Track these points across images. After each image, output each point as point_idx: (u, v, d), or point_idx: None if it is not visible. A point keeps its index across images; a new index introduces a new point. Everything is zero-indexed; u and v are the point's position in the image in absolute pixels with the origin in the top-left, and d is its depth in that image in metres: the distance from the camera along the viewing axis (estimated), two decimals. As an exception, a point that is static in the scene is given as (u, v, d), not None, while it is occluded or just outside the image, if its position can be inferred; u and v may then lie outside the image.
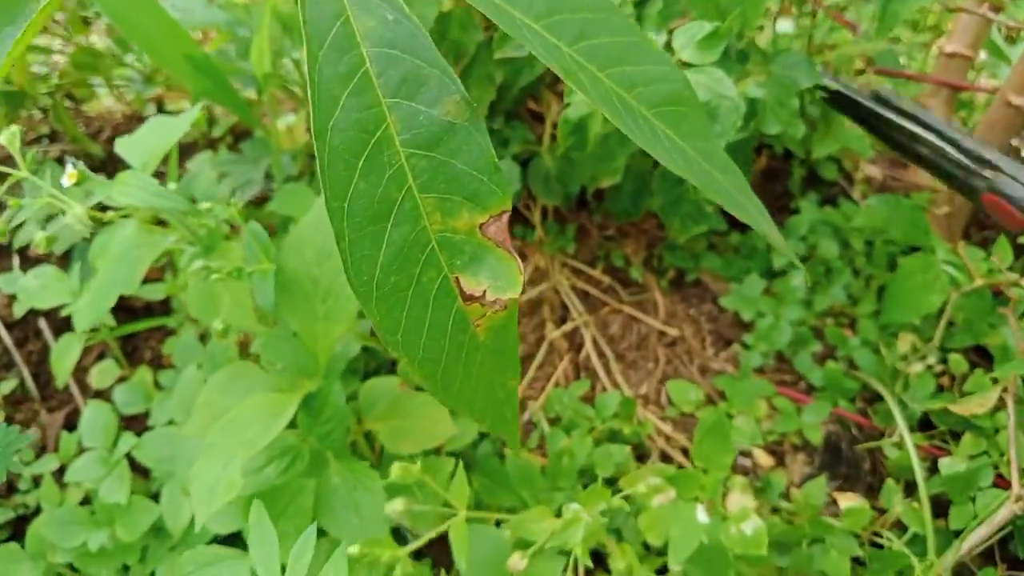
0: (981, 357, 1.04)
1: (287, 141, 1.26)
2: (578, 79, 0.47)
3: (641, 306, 1.12)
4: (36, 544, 0.97)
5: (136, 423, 1.11)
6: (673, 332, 1.09)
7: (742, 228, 1.20)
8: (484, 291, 0.47)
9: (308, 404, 0.73)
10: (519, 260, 0.47)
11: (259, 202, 1.23)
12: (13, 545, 0.99)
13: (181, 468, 0.89)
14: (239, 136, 1.36)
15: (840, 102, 0.93)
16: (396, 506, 0.71)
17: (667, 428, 1.00)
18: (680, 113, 0.52)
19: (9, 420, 1.17)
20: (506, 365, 0.53)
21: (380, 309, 0.44)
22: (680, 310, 1.12)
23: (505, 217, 0.46)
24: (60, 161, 1.40)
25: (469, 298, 0.47)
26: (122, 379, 1.14)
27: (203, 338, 1.12)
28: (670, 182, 0.88)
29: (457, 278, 0.46)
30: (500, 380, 0.53)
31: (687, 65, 0.73)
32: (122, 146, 0.76)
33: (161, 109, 1.46)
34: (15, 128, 0.77)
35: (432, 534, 0.69)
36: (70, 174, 0.67)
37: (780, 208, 1.24)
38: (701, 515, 0.76)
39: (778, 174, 1.27)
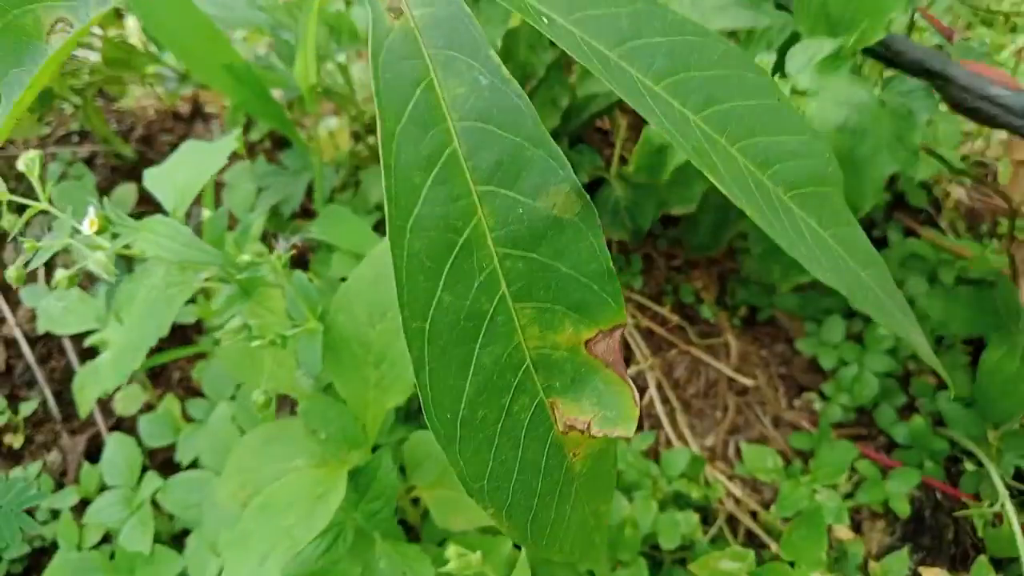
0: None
1: (329, 148, 1.18)
2: (710, 161, 0.38)
3: (711, 349, 1.02)
4: (51, 589, 0.90)
5: (162, 455, 1.04)
6: (746, 381, 0.99)
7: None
8: (588, 423, 0.38)
9: (355, 478, 0.65)
10: (633, 386, 0.37)
11: (301, 213, 1.15)
12: (28, 586, 0.92)
13: (209, 522, 0.81)
14: (277, 141, 1.27)
15: (903, 61, 0.81)
16: (449, 596, 0.63)
17: (736, 490, 0.91)
18: (821, 195, 0.43)
19: (29, 441, 1.11)
20: (602, 491, 0.44)
21: (464, 452, 0.36)
22: (752, 352, 1.03)
23: (617, 333, 0.37)
24: (90, 163, 1.33)
25: (567, 428, 0.38)
26: (148, 406, 1.07)
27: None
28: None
29: (553, 403, 0.38)
30: (593, 508, 0.44)
31: (803, 94, 0.63)
32: (152, 180, 0.68)
33: (197, 107, 1.38)
34: (34, 154, 0.70)
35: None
36: (91, 220, 0.59)
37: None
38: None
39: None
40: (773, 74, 0.65)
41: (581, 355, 0.37)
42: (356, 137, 1.26)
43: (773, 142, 0.42)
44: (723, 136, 0.40)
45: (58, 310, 0.97)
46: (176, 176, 0.66)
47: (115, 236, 0.63)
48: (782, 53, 0.69)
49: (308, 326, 0.62)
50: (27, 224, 0.70)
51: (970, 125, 1.19)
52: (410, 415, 0.98)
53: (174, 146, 1.35)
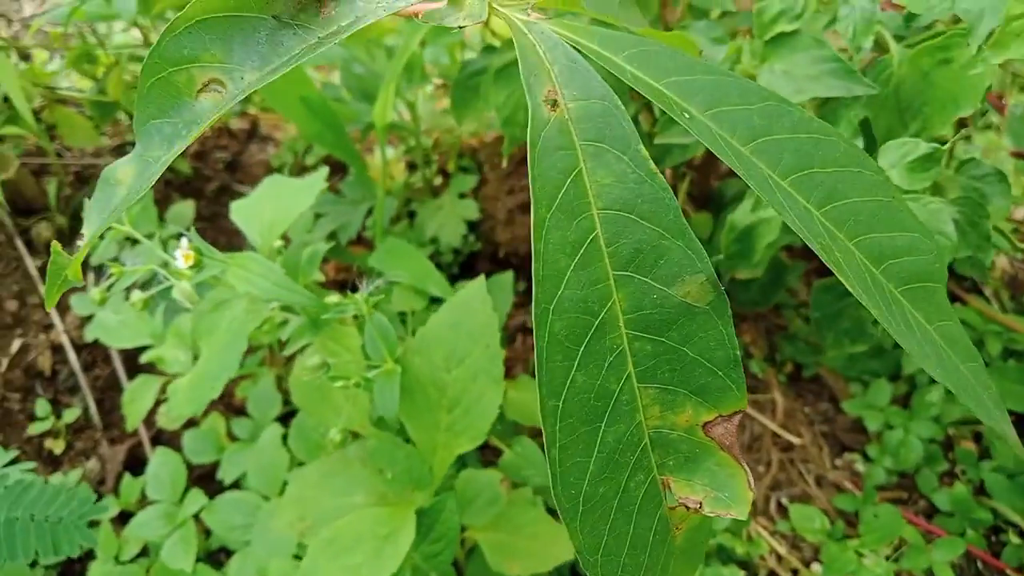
0: None
1: (385, 178, 1.19)
2: (834, 257, 0.39)
3: (757, 404, 1.03)
4: (91, 601, 0.91)
5: (200, 469, 1.05)
6: (791, 438, 1.00)
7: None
8: (700, 502, 0.39)
9: (418, 520, 0.66)
10: (748, 471, 0.38)
11: (356, 241, 1.16)
12: (67, 598, 0.93)
13: (259, 546, 0.81)
14: (334, 167, 1.29)
15: None
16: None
17: (780, 547, 0.91)
18: (928, 291, 0.44)
19: (69, 448, 1.12)
20: (693, 561, 0.45)
21: (584, 526, 0.37)
22: (797, 410, 1.03)
23: (736, 418, 0.38)
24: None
25: (676, 505, 0.39)
26: (191, 421, 1.08)
27: (280, 380, 1.05)
28: (830, 295, 0.80)
29: (666, 481, 0.39)
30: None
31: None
32: (238, 212, 0.69)
33: (254, 128, 1.40)
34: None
35: None
36: (184, 255, 0.60)
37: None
38: None
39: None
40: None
41: (698, 436, 0.38)
42: (411, 167, 1.27)
43: (887, 238, 0.43)
44: (842, 231, 0.42)
45: (114, 323, 0.99)
46: (263, 211, 0.68)
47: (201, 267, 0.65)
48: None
49: (386, 367, 0.63)
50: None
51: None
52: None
53: (228, 164, 1.38)
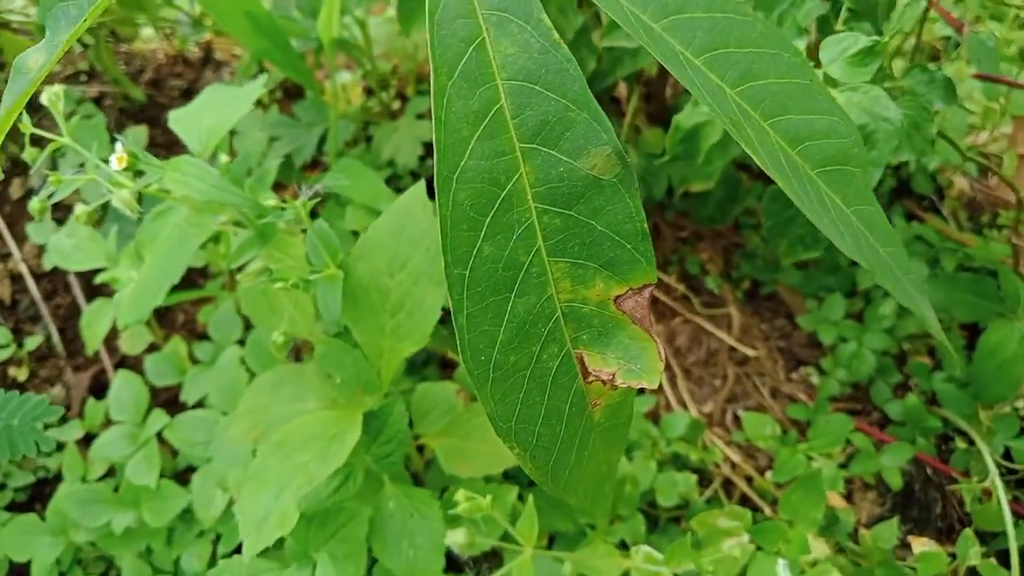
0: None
1: (341, 102, 1.18)
2: (745, 133, 0.39)
3: (714, 319, 1.04)
4: (58, 518, 0.92)
5: (165, 393, 1.05)
6: (746, 351, 1.01)
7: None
8: (613, 375, 0.39)
9: (367, 422, 0.67)
10: (659, 342, 0.39)
11: (311, 165, 1.15)
12: (33, 516, 0.94)
13: (218, 460, 0.83)
14: (289, 92, 1.27)
15: None
16: (457, 538, 0.65)
17: (734, 455, 0.94)
18: (847, 174, 0.44)
19: (33, 375, 1.12)
20: (617, 441, 0.46)
21: (495, 394, 0.37)
22: (753, 325, 1.05)
23: (647, 292, 0.39)
24: (98, 103, 1.32)
25: (591, 378, 0.40)
26: (153, 346, 1.08)
27: (240, 304, 1.06)
28: (780, 203, 0.80)
29: (580, 355, 0.39)
30: (606, 456, 0.46)
31: (833, 82, 0.64)
32: (176, 121, 0.68)
33: (208, 53, 1.37)
34: (58, 88, 0.70)
35: (499, 576, 0.63)
36: (119, 157, 0.60)
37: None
38: (783, 571, 0.70)
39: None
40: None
41: (610, 310, 0.39)
42: (368, 92, 1.26)
43: (804, 120, 0.43)
44: (757, 111, 0.42)
45: (68, 246, 0.98)
46: (202, 119, 0.67)
47: (139, 175, 0.64)
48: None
49: (328, 272, 0.63)
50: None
51: (975, 117, 1.20)
52: (414, 368, 1.00)
53: (184, 91, 1.36)
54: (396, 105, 1.25)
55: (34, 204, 0.66)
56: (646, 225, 0.38)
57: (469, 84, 0.35)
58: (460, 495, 0.63)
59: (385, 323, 0.66)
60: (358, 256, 0.66)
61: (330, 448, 0.61)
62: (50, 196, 0.66)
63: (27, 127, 0.68)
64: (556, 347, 0.39)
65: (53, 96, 0.70)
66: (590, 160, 0.37)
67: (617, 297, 0.39)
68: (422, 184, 0.66)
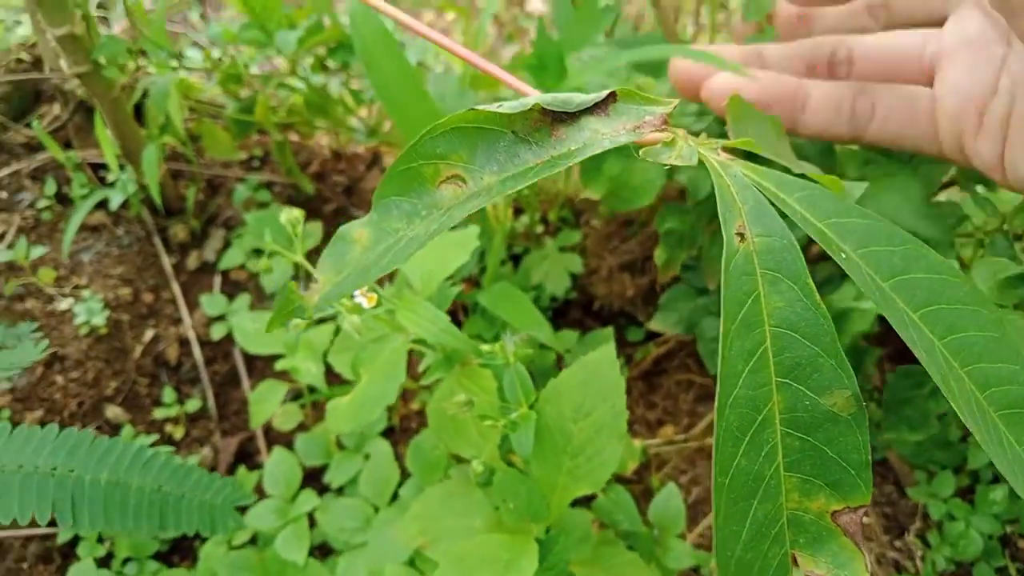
0: None
1: (495, 220, 1.29)
2: (950, 386, 0.47)
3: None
4: (206, 576, 1.01)
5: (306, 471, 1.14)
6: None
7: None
8: (822, 576, 0.47)
9: (533, 549, 0.74)
10: (866, 556, 0.46)
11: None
12: (183, 572, 1.03)
13: (375, 550, 0.90)
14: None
15: None
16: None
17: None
18: (1020, 416, 0.52)
19: (186, 435, 1.22)
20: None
21: (731, 584, 0.45)
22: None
23: (861, 511, 0.46)
24: (269, 187, 1.46)
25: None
26: (302, 426, 1.18)
27: (390, 409, 1.15)
28: (909, 382, 0.87)
29: (795, 556, 0.47)
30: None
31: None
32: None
33: (375, 159, 1.51)
34: (297, 213, 0.80)
35: None
36: (368, 296, 0.70)
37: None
38: None
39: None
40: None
41: (826, 521, 0.47)
42: (517, 212, 1.37)
43: (992, 368, 0.51)
44: (957, 360, 0.50)
45: (251, 330, 1.09)
46: (425, 260, 0.78)
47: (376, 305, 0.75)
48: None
49: (523, 412, 0.72)
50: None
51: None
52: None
53: (346, 188, 1.49)
54: (539, 228, 1.36)
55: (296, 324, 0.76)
56: (870, 456, 0.45)
57: (746, 329, 0.44)
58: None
59: (564, 463, 0.74)
60: (546, 399, 0.74)
61: (508, 572, 0.69)
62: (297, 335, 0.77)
63: (269, 244, 0.79)
64: (779, 547, 0.46)
65: (294, 220, 0.81)
66: (832, 398, 0.45)
67: (834, 512, 0.46)
68: (612, 345, 0.75)
